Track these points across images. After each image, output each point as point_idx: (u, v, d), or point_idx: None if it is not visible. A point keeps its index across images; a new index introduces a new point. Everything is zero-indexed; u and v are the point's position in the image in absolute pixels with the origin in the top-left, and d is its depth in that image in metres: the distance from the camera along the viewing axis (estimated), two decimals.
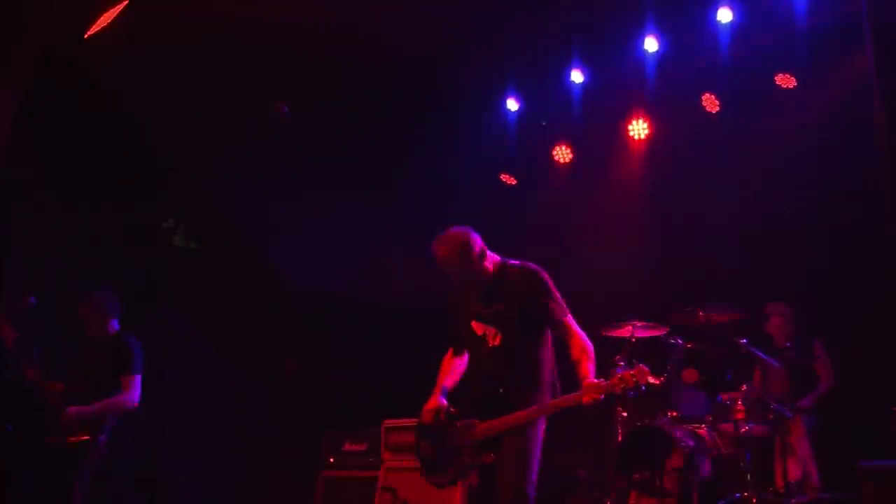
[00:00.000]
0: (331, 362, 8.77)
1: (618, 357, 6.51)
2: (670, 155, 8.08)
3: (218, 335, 8.07)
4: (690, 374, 6.68)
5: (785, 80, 7.36)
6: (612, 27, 7.54)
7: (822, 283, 7.04)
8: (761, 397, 6.19)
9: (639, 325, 6.65)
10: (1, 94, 6.18)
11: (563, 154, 8.78)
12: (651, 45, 7.66)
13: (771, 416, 6.12)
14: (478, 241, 4.24)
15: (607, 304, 7.34)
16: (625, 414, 6.58)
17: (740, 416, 6.05)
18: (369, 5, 6.83)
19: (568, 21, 7.33)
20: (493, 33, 7.28)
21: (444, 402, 4.36)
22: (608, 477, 6.55)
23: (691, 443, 6.05)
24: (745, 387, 6.18)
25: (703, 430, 6.29)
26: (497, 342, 4.21)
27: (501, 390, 4.13)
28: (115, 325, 5.97)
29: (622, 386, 3.92)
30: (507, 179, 8.99)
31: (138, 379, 5.74)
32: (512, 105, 8.55)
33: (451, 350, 4.54)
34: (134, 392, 5.70)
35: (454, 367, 4.48)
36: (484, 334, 4.26)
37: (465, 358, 4.48)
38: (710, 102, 7.72)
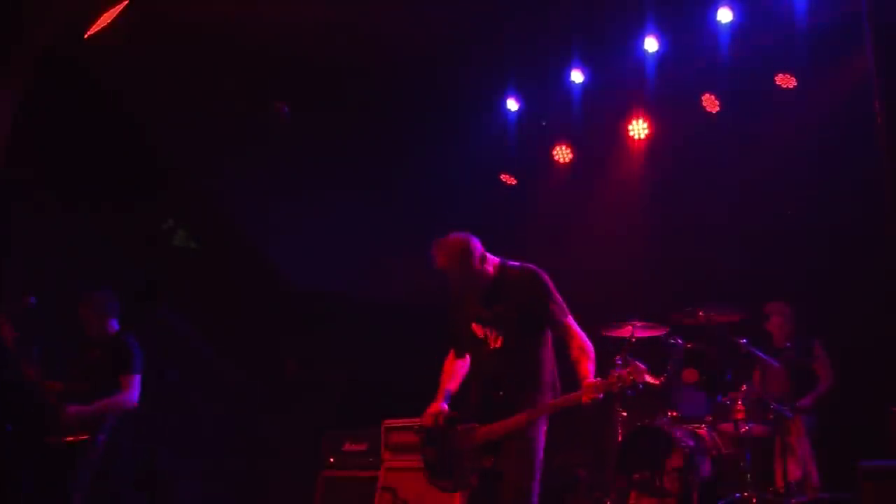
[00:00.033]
0: (331, 362, 8.77)
1: (618, 357, 6.51)
2: (670, 155, 8.08)
3: (218, 335, 8.07)
4: (690, 374, 6.68)
5: (785, 80, 7.36)
6: (612, 27, 7.54)
7: (822, 283, 7.04)
8: (761, 397, 6.19)
9: (639, 325, 6.65)
10: (1, 94, 6.18)
11: (563, 154, 8.79)
12: (651, 45, 7.67)
13: (771, 416, 6.12)
14: (478, 246, 4.24)
15: (607, 304, 7.34)
16: (625, 414, 6.58)
17: (740, 416, 6.04)
18: (369, 5, 6.83)
19: (568, 21, 7.34)
20: (493, 33, 7.28)
21: (445, 406, 4.36)
22: (608, 477, 6.55)
23: (691, 443, 6.05)
24: (745, 387, 6.18)
25: (703, 430, 6.30)
26: (498, 344, 4.21)
27: (501, 393, 4.12)
28: (114, 325, 5.97)
29: (619, 385, 3.93)
30: (507, 179, 8.99)
31: (137, 379, 5.74)
32: (512, 105, 8.55)
33: (452, 352, 4.54)
34: (133, 392, 5.70)
35: (456, 370, 4.48)
36: (485, 336, 4.26)
37: (467, 360, 4.47)
38: (710, 102, 7.72)
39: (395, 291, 8.66)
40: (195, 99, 7.26)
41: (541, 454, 4.12)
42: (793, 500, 5.93)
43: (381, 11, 6.84)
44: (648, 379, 6.51)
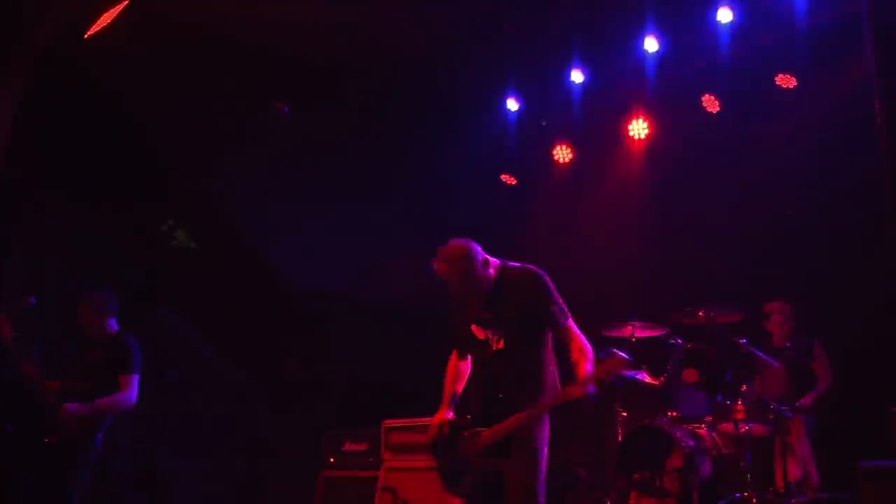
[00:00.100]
0: (331, 362, 8.77)
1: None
2: (670, 155, 8.08)
3: (218, 335, 8.07)
4: (690, 374, 6.68)
5: (785, 80, 7.36)
6: (612, 27, 7.55)
7: (822, 283, 7.04)
8: (761, 397, 6.19)
9: (639, 325, 6.65)
10: (1, 94, 6.18)
11: (563, 154, 8.79)
12: (651, 45, 7.67)
13: (771, 416, 6.12)
14: (479, 253, 4.22)
15: (607, 304, 7.34)
16: (625, 414, 6.58)
17: (740, 416, 6.04)
18: (369, 5, 6.83)
19: (568, 21, 7.34)
20: (493, 33, 7.28)
21: (450, 414, 4.36)
22: (608, 477, 6.55)
23: (691, 443, 6.05)
24: (745, 387, 6.18)
25: (703, 430, 6.29)
26: (499, 346, 4.20)
27: (502, 395, 4.12)
28: (114, 325, 5.97)
29: (602, 377, 3.92)
30: (507, 179, 8.99)
31: (136, 379, 5.74)
32: (512, 105, 8.55)
33: (455, 353, 4.54)
34: (131, 392, 5.70)
35: (460, 373, 4.48)
36: (486, 338, 4.25)
37: (469, 360, 4.47)
38: (710, 103, 7.72)
39: (395, 291, 8.66)
40: (195, 99, 7.26)
41: (546, 453, 4.12)
42: (793, 500, 5.93)
43: (381, 11, 6.84)
44: (645, 377, 6.52)
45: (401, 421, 6.87)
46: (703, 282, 7.36)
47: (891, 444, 5.17)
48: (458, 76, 7.82)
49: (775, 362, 6.48)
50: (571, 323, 4.20)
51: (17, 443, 5.66)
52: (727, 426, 6.21)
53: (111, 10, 6.13)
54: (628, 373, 6.53)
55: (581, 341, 4.13)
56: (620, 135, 8.37)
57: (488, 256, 4.25)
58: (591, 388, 3.92)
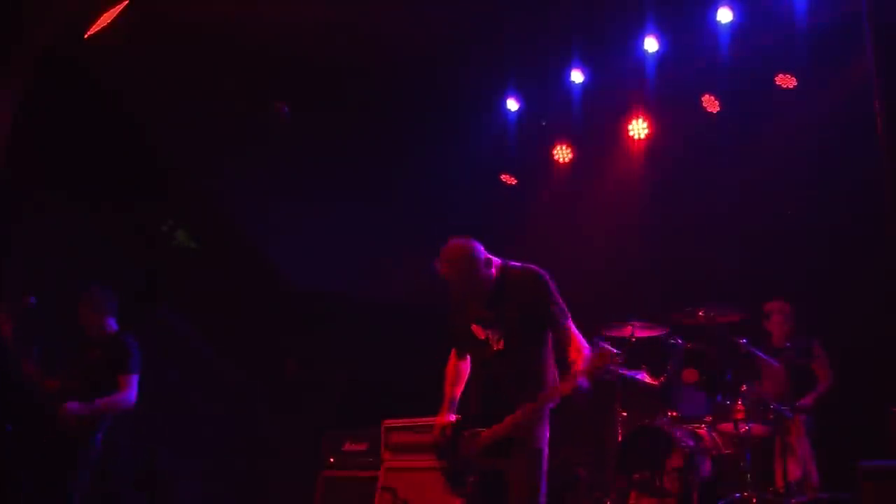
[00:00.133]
0: (331, 362, 8.77)
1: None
2: (670, 155, 8.08)
3: (218, 335, 8.07)
4: (690, 374, 6.68)
5: (785, 80, 7.36)
6: (612, 27, 7.55)
7: (822, 283, 7.04)
8: (761, 397, 6.19)
9: (639, 325, 6.65)
10: (1, 94, 6.18)
11: (563, 154, 8.79)
12: (651, 45, 7.67)
13: (771, 416, 6.12)
14: (481, 252, 4.21)
15: (607, 304, 7.34)
16: (625, 414, 6.59)
17: (740, 416, 6.04)
18: (369, 5, 6.83)
19: (568, 21, 7.34)
20: (493, 33, 7.29)
21: (452, 416, 4.36)
22: (608, 477, 6.55)
23: (691, 443, 6.05)
24: (745, 387, 6.18)
25: (703, 430, 6.29)
26: (500, 346, 4.20)
27: (502, 395, 4.12)
28: (113, 325, 5.96)
29: (593, 371, 3.92)
30: (507, 179, 8.99)
31: (135, 379, 5.74)
32: (512, 105, 8.56)
33: (453, 352, 4.53)
34: (131, 392, 5.70)
35: (459, 374, 4.47)
36: (486, 338, 4.24)
37: (468, 360, 4.47)
38: (710, 103, 7.72)
39: (395, 291, 8.66)
40: (195, 99, 7.26)
41: (545, 453, 4.12)
42: (793, 500, 5.93)
43: (381, 11, 6.85)
44: (645, 377, 6.52)
45: (401, 421, 6.86)
46: (703, 282, 7.36)
47: (891, 444, 5.18)
48: (458, 76, 7.82)
49: (775, 362, 6.48)
50: (571, 324, 4.20)
51: (17, 443, 5.65)
52: (727, 426, 6.21)
53: (111, 10, 6.14)
54: (628, 372, 6.54)
55: (579, 342, 4.13)
56: (620, 135, 8.37)
57: (490, 256, 4.24)
58: (582, 382, 3.92)
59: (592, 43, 7.76)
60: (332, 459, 7.27)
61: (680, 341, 6.55)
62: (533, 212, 8.69)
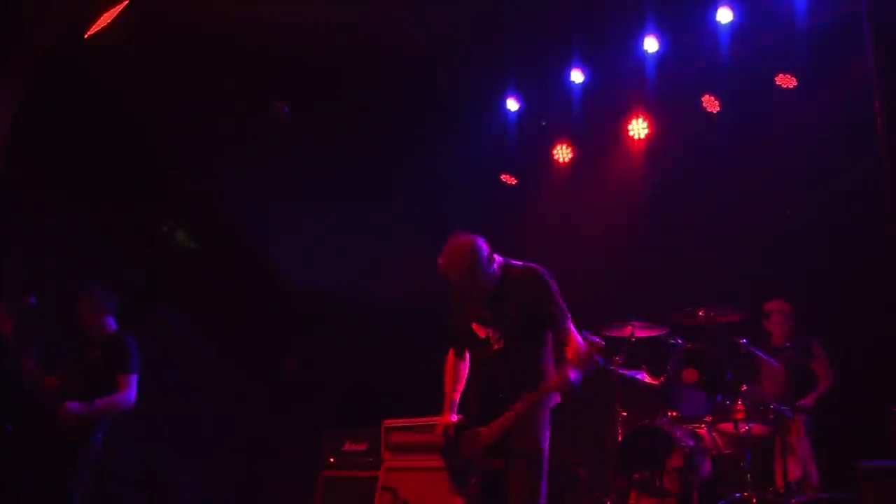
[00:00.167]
0: (331, 362, 8.77)
1: (617, 357, 6.52)
2: (670, 155, 8.08)
3: (218, 335, 8.07)
4: (690, 374, 6.68)
5: (785, 80, 7.36)
6: (612, 27, 7.55)
7: (822, 283, 7.04)
8: (761, 397, 6.19)
9: (639, 325, 6.64)
10: (1, 94, 6.19)
11: (563, 154, 8.80)
12: (651, 45, 7.67)
13: (771, 416, 6.12)
14: (485, 248, 4.19)
15: (607, 304, 7.34)
16: (625, 414, 6.58)
17: (740, 416, 6.04)
18: (369, 5, 6.83)
19: (568, 21, 7.34)
20: (493, 33, 7.29)
21: (453, 418, 4.36)
22: (608, 477, 6.55)
23: (691, 443, 6.05)
24: (745, 387, 6.18)
25: (703, 430, 6.29)
26: (500, 345, 4.20)
27: (501, 395, 4.11)
28: (112, 324, 5.96)
29: (580, 361, 3.92)
30: (507, 179, 9.00)
31: (134, 378, 5.74)
32: (512, 105, 8.56)
33: (451, 351, 4.53)
34: (130, 392, 5.70)
35: (458, 374, 4.46)
36: (486, 337, 4.24)
37: (467, 359, 4.47)
38: (710, 103, 7.72)
39: (395, 291, 8.66)
40: (195, 99, 7.26)
41: (546, 452, 4.12)
42: (793, 500, 5.93)
43: (381, 11, 6.85)
44: (645, 377, 6.52)
45: (401, 421, 6.86)
46: (703, 282, 7.36)
47: (891, 444, 5.17)
48: (458, 76, 7.82)
49: (775, 362, 6.48)
50: (570, 324, 4.20)
51: (17, 443, 5.66)
52: (727, 426, 6.21)
53: (111, 10, 6.14)
54: (628, 372, 6.54)
55: (577, 343, 4.13)
56: (620, 135, 8.37)
57: (493, 254, 4.24)
58: (572, 374, 3.91)
59: (592, 43, 7.76)
60: (332, 459, 7.27)
61: (680, 341, 6.54)
62: (533, 212, 8.68)
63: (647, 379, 6.54)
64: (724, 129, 7.64)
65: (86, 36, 6.26)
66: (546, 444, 4.13)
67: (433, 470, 6.24)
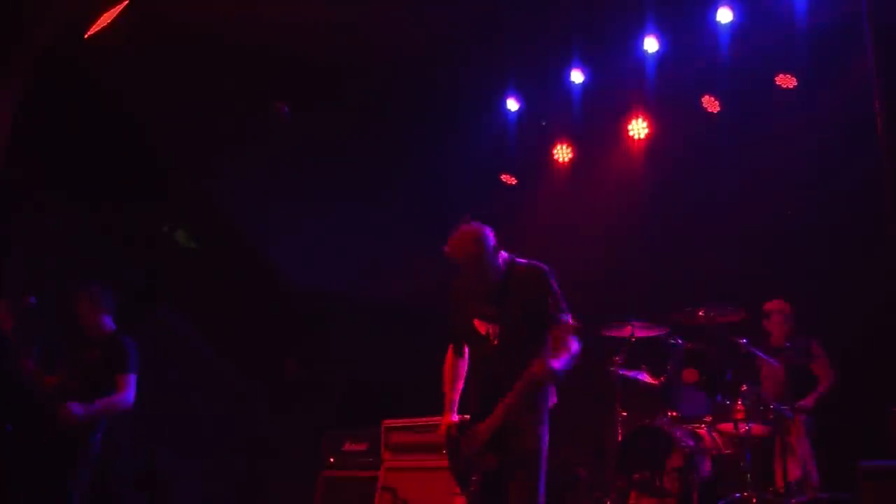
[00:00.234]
0: (331, 362, 8.78)
1: (617, 357, 6.52)
2: (670, 155, 8.08)
3: (218, 335, 8.07)
4: (690, 374, 6.68)
5: (785, 80, 7.36)
6: (612, 27, 7.56)
7: (822, 283, 7.04)
8: (761, 397, 6.19)
9: (639, 325, 6.64)
10: (1, 94, 6.19)
11: (563, 154, 8.80)
12: (651, 45, 7.68)
13: (771, 416, 6.12)
14: (492, 239, 4.21)
15: (607, 304, 7.34)
16: (625, 414, 6.58)
17: (740, 416, 6.04)
18: (369, 5, 6.83)
19: (568, 21, 7.35)
20: (493, 33, 7.29)
21: (454, 417, 4.36)
22: (608, 477, 6.55)
23: (691, 443, 6.05)
24: (745, 387, 6.18)
25: (703, 430, 6.29)
26: (500, 342, 4.19)
27: (499, 392, 4.11)
28: (110, 323, 5.95)
29: (558, 347, 3.93)
30: (507, 179, 9.00)
31: (133, 378, 5.73)
32: (512, 105, 8.56)
33: (451, 350, 4.52)
34: (129, 391, 5.70)
35: (457, 373, 4.46)
36: (487, 333, 4.24)
37: (466, 358, 4.47)
38: (711, 103, 7.73)
39: (395, 291, 8.67)
40: (195, 99, 7.26)
41: (545, 452, 4.11)
42: (793, 500, 5.93)
43: (381, 11, 6.85)
44: (645, 377, 6.52)
45: (401, 421, 6.87)
46: (703, 282, 7.36)
47: (891, 444, 5.17)
48: (458, 76, 7.83)
49: (775, 362, 6.47)
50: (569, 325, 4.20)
51: (17, 443, 5.65)
52: (727, 426, 6.21)
53: (111, 11, 6.14)
54: (628, 373, 6.54)
55: (571, 343, 4.13)
56: (620, 135, 8.37)
57: (500, 248, 4.24)
58: (555, 364, 3.91)
59: (592, 43, 7.76)
60: (332, 459, 7.27)
61: (680, 341, 6.54)
62: (533, 212, 8.68)
63: (647, 379, 6.54)
64: (724, 129, 7.64)
65: (86, 36, 6.26)
66: (546, 444, 4.13)
67: (433, 470, 6.25)
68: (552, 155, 8.81)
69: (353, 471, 7.09)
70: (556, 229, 8.36)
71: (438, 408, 4.45)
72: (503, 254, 4.27)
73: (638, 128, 8.29)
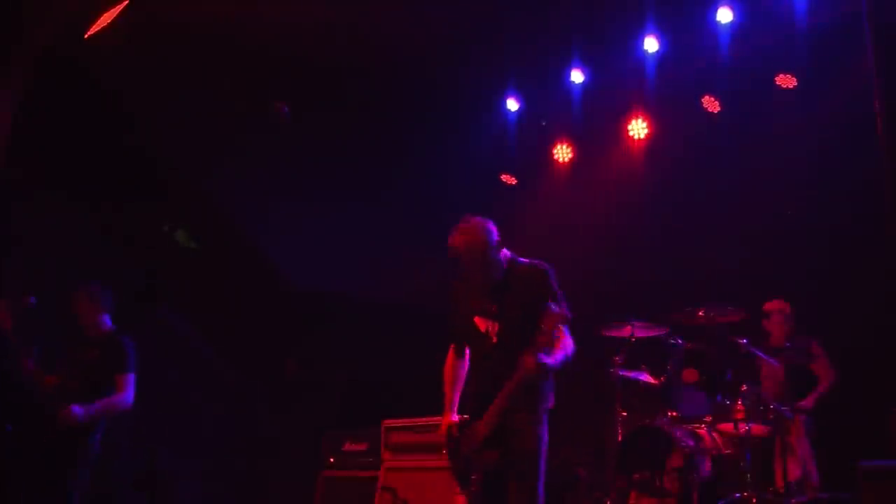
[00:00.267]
0: (331, 362, 8.78)
1: (617, 357, 6.52)
2: (670, 155, 8.08)
3: (218, 335, 8.07)
4: (690, 374, 6.69)
5: (785, 80, 7.36)
6: (612, 27, 7.56)
7: (822, 283, 7.04)
8: (761, 397, 6.19)
9: (639, 325, 6.65)
10: (1, 94, 6.19)
11: (563, 153, 8.80)
12: (651, 45, 7.68)
13: (771, 416, 6.12)
14: (495, 233, 4.23)
15: (607, 304, 7.34)
16: (625, 414, 6.58)
17: (740, 416, 6.04)
18: (369, 5, 6.83)
19: (568, 21, 7.35)
20: (493, 33, 7.29)
21: (454, 417, 4.36)
22: (608, 477, 6.55)
23: (691, 443, 6.05)
24: (745, 387, 6.18)
25: (703, 430, 6.29)
26: (499, 339, 4.20)
27: (496, 390, 4.11)
28: (108, 322, 5.95)
29: (545, 336, 3.92)
30: (507, 179, 9.00)
31: (132, 378, 5.73)
32: (512, 105, 8.56)
33: (452, 350, 4.53)
34: (129, 391, 5.70)
35: (458, 374, 4.46)
36: (486, 331, 4.25)
37: (467, 358, 4.47)
38: (711, 103, 7.73)
39: (395, 291, 8.67)
40: (195, 99, 7.26)
41: (544, 452, 4.12)
42: (793, 500, 5.93)
43: (381, 11, 6.85)
44: (645, 377, 6.52)
45: (401, 421, 6.86)
46: (703, 282, 7.36)
47: (891, 444, 5.18)
48: (458, 76, 7.83)
49: (775, 362, 6.47)
50: (566, 328, 4.20)
51: (17, 443, 5.66)
52: (727, 426, 6.21)
53: (111, 11, 6.14)
54: (628, 373, 6.54)
55: (564, 336, 4.13)
56: (620, 135, 8.37)
57: (503, 245, 4.25)
58: (545, 359, 3.92)
59: (592, 43, 7.76)
60: (332, 459, 7.27)
61: (680, 341, 6.54)
62: (533, 212, 8.68)
63: (647, 379, 6.54)
64: (724, 129, 7.64)
65: (86, 36, 6.26)
66: (545, 445, 4.13)
67: (433, 470, 6.25)
68: (552, 155, 8.81)
69: (353, 471, 7.09)
70: (556, 229, 8.36)
71: (438, 408, 4.46)
72: (506, 252, 4.28)
73: (638, 128, 8.29)
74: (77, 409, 5.47)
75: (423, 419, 6.57)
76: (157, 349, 6.31)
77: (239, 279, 8.38)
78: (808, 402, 6.47)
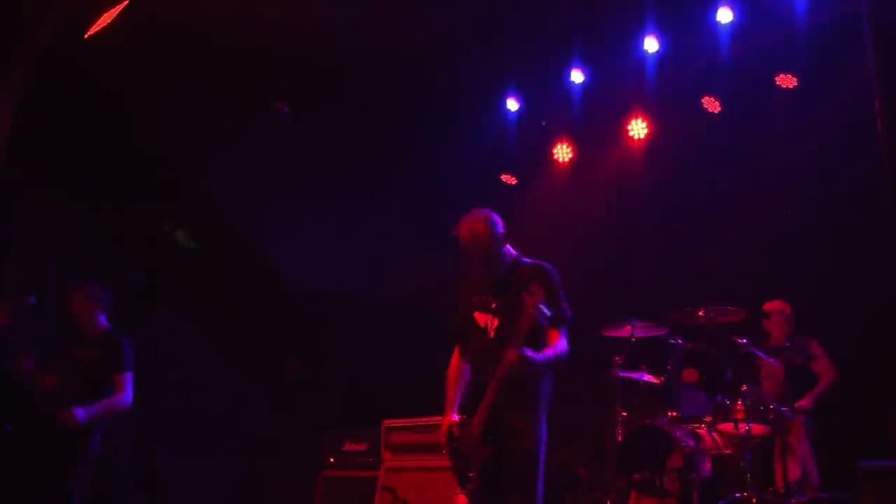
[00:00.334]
0: (331, 362, 8.78)
1: (617, 357, 6.52)
2: (670, 155, 8.08)
3: (218, 335, 8.07)
4: (690, 374, 6.68)
5: (785, 80, 7.36)
6: (612, 27, 7.56)
7: (822, 283, 7.04)
8: (761, 397, 6.19)
9: (639, 325, 6.65)
10: (1, 94, 6.19)
11: (563, 153, 8.80)
12: (651, 45, 7.68)
13: (771, 416, 6.11)
14: (500, 226, 4.25)
15: (607, 304, 7.34)
16: (625, 414, 6.58)
17: (740, 416, 6.04)
18: (369, 5, 6.83)
19: (568, 21, 7.35)
20: (493, 33, 7.29)
21: (454, 417, 4.36)
22: (608, 477, 6.54)
23: (691, 443, 6.04)
24: (745, 387, 6.18)
25: (703, 430, 6.29)
26: (498, 335, 4.20)
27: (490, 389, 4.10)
28: (104, 321, 5.94)
29: (523, 327, 3.90)
30: (507, 179, 9.00)
31: (130, 377, 5.73)
32: (512, 105, 8.56)
33: (457, 350, 4.53)
34: (127, 391, 5.70)
35: (461, 375, 4.46)
36: (485, 326, 4.26)
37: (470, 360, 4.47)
38: (711, 103, 7.73)
39: (395, 291, 8.67)
40: (195, 99, 7.26)
41: (542, 452, 4.11)
42: (793, 500, 5.92)
43: (381, 11, 6.85)
44: (645, 377, 6.51)
45: (401, 421, 6.87)
46: (703, 282, 7.36)
47: (891, 444, 5.18)
48: (458, 76, 7.83)
49: (775, 362, 6.47)
50: (564, 328, 4.20)
51: (17, 443, 5.66)
52: (727, 426, 6.20)
53: (111, 11, 6.14)
54: (628, 373, 6.54)
55: (562, 342, 4.13)
56: (620, 135, 8.37)
57: (508, 240, 4.25)
58: (529, 353, 3.91)
59: (592, 43, 7.76)
60: (332, 459, 7.27)
61: (680, 341, 6.54)
62: (533, 212, 8.68)
63: (648, 379, 6.54)
64: (724, 129, 7.64)
65: (86, 36, 6.26)
66: (544, 444, 4.13)
67: (433, 470, 6.25)
68: (552, 155, 8.81)
69: (353, 471, 7.09)
70: (556, 229, 8.36)
71: (438, 408, 4.46)
72: (510, 250, 4.29)
73: (638, 128, 8.29)
74: (78, 412, 5.47)
75: (423, 419, 6.57)
76: (157, 349, 6.32)
77: (239, 279, 8.38)
78: (806, 402, 6.46)
